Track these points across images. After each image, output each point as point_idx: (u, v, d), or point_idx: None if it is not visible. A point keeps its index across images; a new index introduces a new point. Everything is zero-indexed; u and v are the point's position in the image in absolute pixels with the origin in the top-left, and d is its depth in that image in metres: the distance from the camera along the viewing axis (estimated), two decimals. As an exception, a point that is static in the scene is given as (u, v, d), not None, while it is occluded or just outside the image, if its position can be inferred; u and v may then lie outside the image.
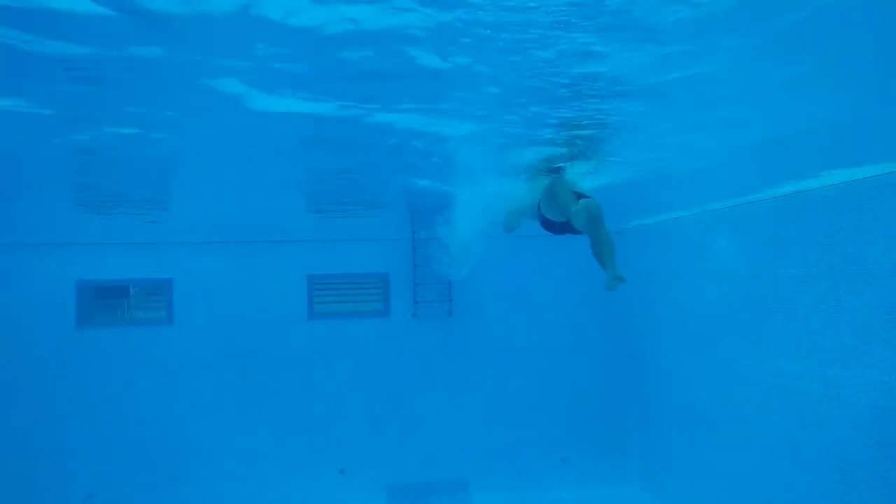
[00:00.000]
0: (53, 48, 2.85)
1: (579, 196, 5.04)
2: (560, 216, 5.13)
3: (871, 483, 5.10)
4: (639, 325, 9.69)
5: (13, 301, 8.95)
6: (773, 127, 4.26)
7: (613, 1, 2.46)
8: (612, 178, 5.92)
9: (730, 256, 7.11)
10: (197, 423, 9.32)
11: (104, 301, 9.61)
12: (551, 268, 10.06)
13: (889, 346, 4.97)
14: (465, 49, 2.94)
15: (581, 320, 10.07)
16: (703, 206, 7.53)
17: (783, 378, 6.15)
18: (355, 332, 9.78)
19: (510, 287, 9.98)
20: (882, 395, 5.01)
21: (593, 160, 5.15)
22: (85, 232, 8.62)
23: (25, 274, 9.02)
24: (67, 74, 3.20)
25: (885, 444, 4.97)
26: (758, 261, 6.57)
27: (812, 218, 5.77)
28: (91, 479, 9.03)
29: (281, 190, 6.43)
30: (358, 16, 2.59)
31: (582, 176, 5.58)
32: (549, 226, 5.42)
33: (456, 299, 9.92)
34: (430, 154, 5.03)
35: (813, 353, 5.76)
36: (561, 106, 3.77)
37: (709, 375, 7.55)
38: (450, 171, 5.67)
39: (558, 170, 5.27)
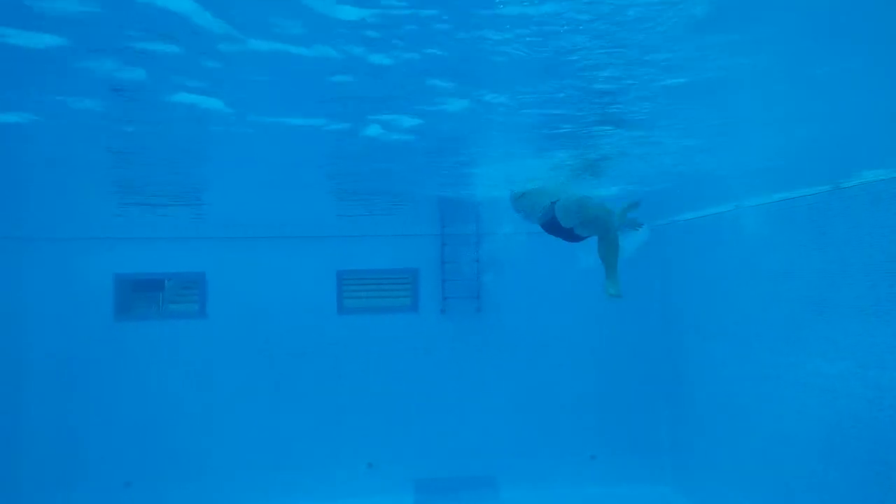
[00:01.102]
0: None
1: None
2: (570, 222, 5.22)
3: (912, 488, 4.96)
4: (671, 323, 9.56)
5: (54, 293, 9.21)
6: (812, 124, 4.15)
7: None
8: (646, 174, 5.85)
9: (766, 253, 6.96)
10: (229, 414, 9.48)
11: (140, 294, 9.84)
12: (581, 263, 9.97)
13: (932, 348, 4.81)
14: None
15: (611, 317, 9.97)
16: (739, 202, 7.39)
17: (820, 378, 6.00)
18: (384, 328, 9.84)
19: (539, 283, 9.93)
20: (924, 398, 4.86)
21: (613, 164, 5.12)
22: (123, 227, 8.85)
23: (66, 267, 9.28)
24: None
25: (928, 448, 4.83)
26: (795, 258, 6.42)
27: (852, 214, 5.61)
28: (129, 467, 9.27)
29: (311, 187, 6.50)
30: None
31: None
32: (552, 228, 5.45)
33: (484, 296, 9.90)
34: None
35: (851, 353, 5.61)
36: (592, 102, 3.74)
37: (743, 374, 7.41)
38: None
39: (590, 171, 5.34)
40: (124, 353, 9.36)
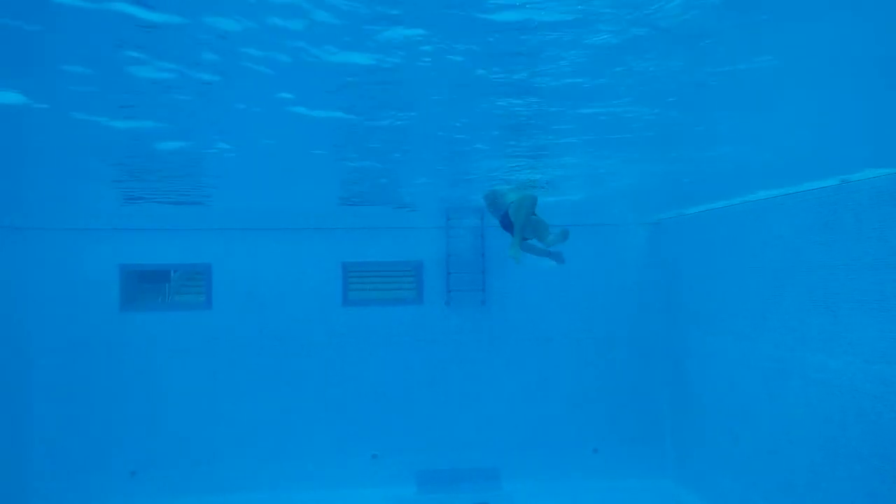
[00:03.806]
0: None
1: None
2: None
3: (915, 482, 4.97)
4: (675, 316, 9.56)
5: (61, 284, 9.26)
6: (818, 119, 4.14)
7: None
8: (651, 169, 5.85)
9: (771, 247, 6.95)
10: (234, 405, 9.53)
11: (146, 285, 9.87)
12: (585, 258, 9.98)
13: (938, 343, 4.80)
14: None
15: (615, 311, 9.98)
16: (745, 196, 7.37)
17: (825, 373, 6.01)
18: (389, 320, 9.86)
19: (543, 276, 9.92)
20: (929, 393, 4.86)
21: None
22: (128, 218, 8.87)
23: (72, 258, 9.32)
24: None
25: (932, 443, 4.83)
26: (800, 252, 6.41)
27: (859, 209, 5.60)
28: (135, 456, 9.33)
29: (317, 179, 6.53)
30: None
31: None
32: (506, 224, 7.02)
33: (489, 288, 9.92)
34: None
35: (857, 348, 5.61)
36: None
37: (748, 369, 7.42)
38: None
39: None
40: (130, 344, 9.41)
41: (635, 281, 10.00)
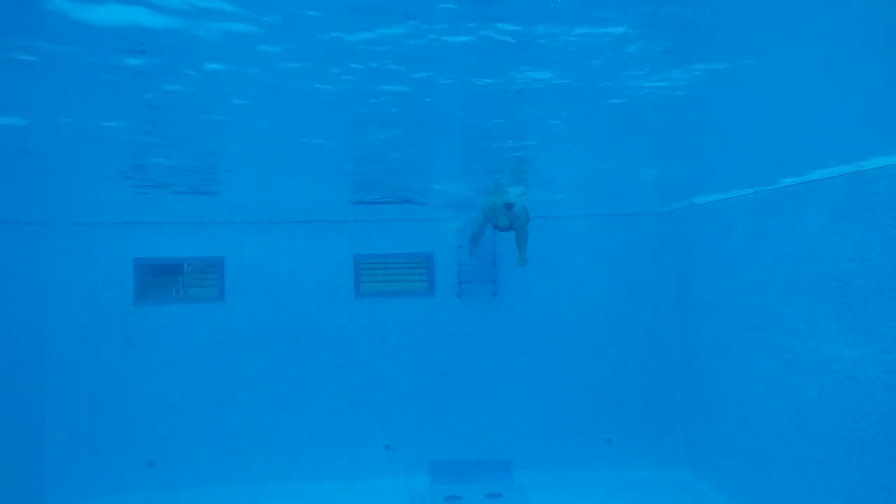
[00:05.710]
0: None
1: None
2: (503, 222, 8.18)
3: (931, 473, 4.92)
4: (687, 307, 9.51)
5: (75, 278, 9.37)
6: (832, 105, 4.09)
7: None
8: (662, 159, 5.81)
9: (785, 237, 6.88)
10: (248, 397, 9.62)
11: (160, 278, 9.95)
12: (597, 249, 9.95)
13: (955, 332, 4.74)
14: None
15: (627, 301, 9.95)
16: (758, 186, 7.30)
17: (840, 363, 5.96)
18: (400, 312, 9.89)
19: (555, 268, 9.91)
20: (946, 383, 4.80)
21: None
22: (142, 212, 8.95)
23: (87, 252, 9.43)
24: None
25: (948, 434, 4.78)
26: (815, 242, 6.34)
27: (875, 198, 5.53)
28: (151, 447, 9.45)
29: (328, 175, 6.55)
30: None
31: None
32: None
33: (500, 280, 9.91)
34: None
35: (872, 338, 5.56)
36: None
37: (761, 360, 7.37)
38: None
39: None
40: (144, 337, 9.51)
41: (647, 271, 9.95)
